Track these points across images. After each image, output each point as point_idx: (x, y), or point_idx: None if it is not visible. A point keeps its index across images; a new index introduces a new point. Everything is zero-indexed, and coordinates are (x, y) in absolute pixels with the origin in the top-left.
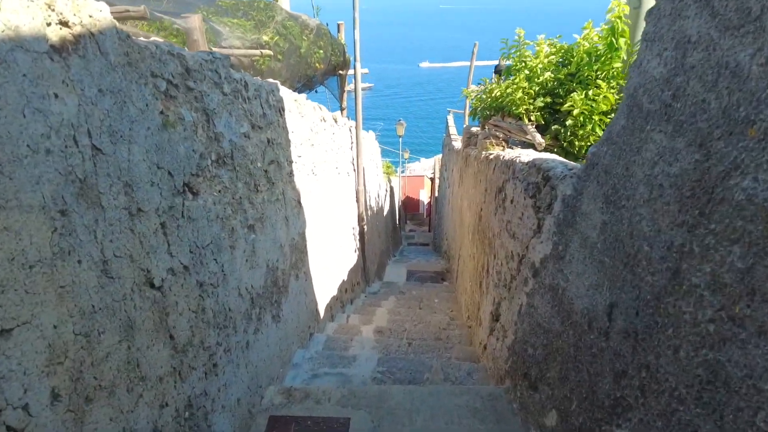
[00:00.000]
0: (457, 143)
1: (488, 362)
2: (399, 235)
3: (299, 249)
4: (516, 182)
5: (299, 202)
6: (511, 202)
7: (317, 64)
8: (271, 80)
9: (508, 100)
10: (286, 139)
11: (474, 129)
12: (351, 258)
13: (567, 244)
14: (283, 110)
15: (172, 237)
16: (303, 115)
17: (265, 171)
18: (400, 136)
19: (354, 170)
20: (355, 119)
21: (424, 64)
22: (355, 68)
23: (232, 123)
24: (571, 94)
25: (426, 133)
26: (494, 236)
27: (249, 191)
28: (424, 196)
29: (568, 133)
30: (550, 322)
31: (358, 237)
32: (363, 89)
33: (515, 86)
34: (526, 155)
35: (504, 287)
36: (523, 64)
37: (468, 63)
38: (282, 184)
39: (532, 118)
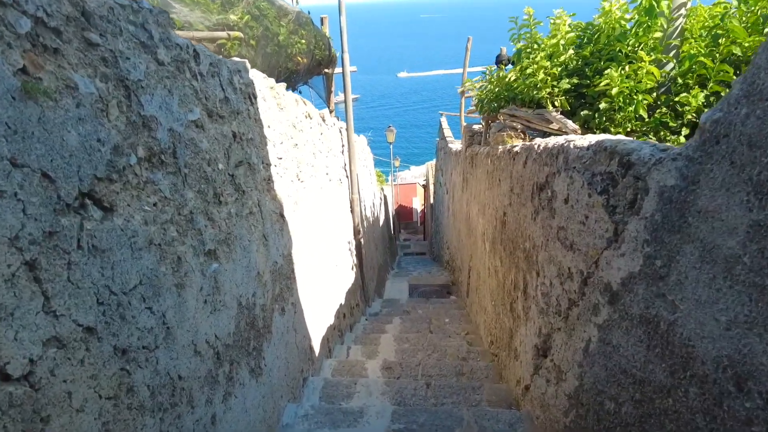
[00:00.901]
0: (455, 145)
1: (534, 409)
2: (395, 246)
3: (284, 275)
4: (572, 175)
5: (282, 215)
6: (565, 201)
7: (299, 58)
8: (237, 59)
9: (527, 83)
10: (260, 135)
11: (476, 126)
12: (348, 277)
13: (672, 257)
14: (255, 97)
15: (55, 284)
16: (283, 107)
17: (232, 176)
18: (390, 143)
19: (347, 176)
20: (346, 118)
21: (402, 74)
22: (342, 60)
23: (173, 105)
24: (606, 72)
25: (413, 142)
26: (535, 248)
27: (206, 203)
28: (417, 204)
29: (603, 119)
30: (645, 369)
31: (354, 252)
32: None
33: (536, 66)
34: (582, 138)
35: (557, 315)
36: (537, 45)
37: (446, 71)
38: (257, 193)
39: (557, 103)
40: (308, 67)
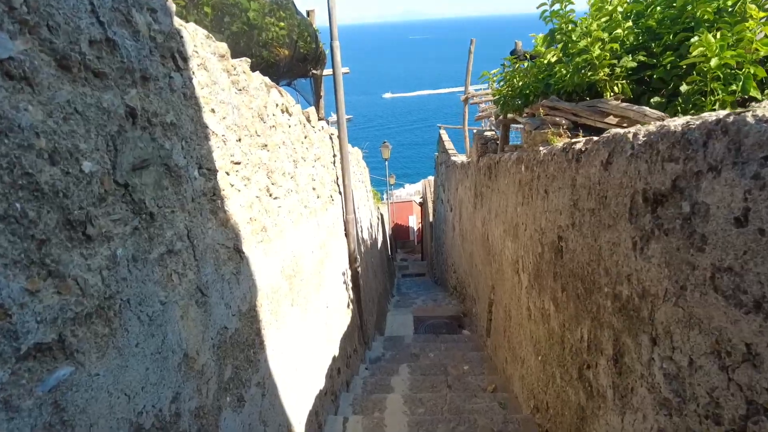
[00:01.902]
0: (459, 158)
1: None
2: (393, 267)
3: (243, 343)
4: (758, 171)
5: (239, 251)
6: (738, 223)
7: (279, 48)
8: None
9: (575, 64)
10: (195, 123)
11: (489, 133)
12: (342, 319)
13: None
14: (185, 60)
15: None
16: (243, 88)
17: (124, 186)
18: (386, 159)
19: (340, 192)
20: (338, 124)
21: (387, 95)
22: (332, 47)
23: None
24: (693, 40)
25: (406, 160)
26: (646, 297)
27: (34, 244)
28: (414, 223)
29: (689, 105)
30: None
31: (350, 285)
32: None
33: (589, 39)
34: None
35: (706, 420)
36: (574, 26)
37: (431, 91)
38: (186, 217)
39: (616, 88)
40: (290, 63)
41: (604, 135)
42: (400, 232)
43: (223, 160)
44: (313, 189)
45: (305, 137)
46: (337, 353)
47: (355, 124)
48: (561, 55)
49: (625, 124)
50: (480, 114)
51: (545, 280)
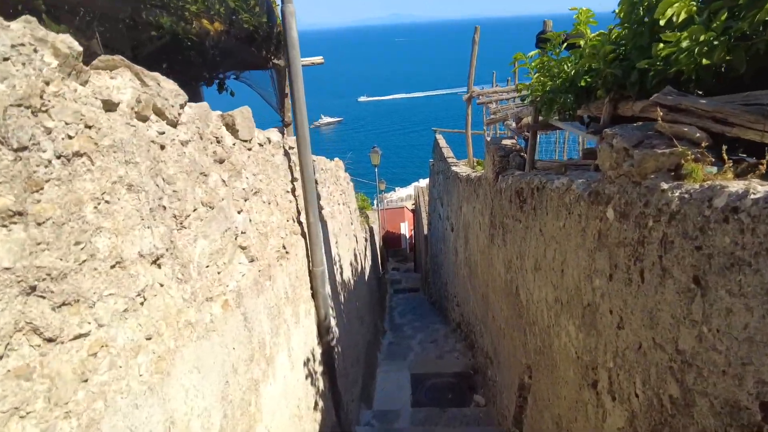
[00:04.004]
0: (462, 169)
1: None
2: (384, 287)
3: None
4: None
5: None
6: None
7: (204, 19)
8: None
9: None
10: None
11: (508, 142)
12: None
13: None
14: None
15: None
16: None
17: None
18: (375, 166)
19: (304, 233)
20: (296, 133)
21: (363, 98)
22: (283, 12)
23: None
24: None
25: (395, 163)
26: None
27: None
28: (406, 230)
29: None
30: None
31: (319, 371)
32: (332, 123)
33: None
34: None
35: None
36: None
37: (406, 95)
38: None
39: None
40: (230, 44)
41: None
42: (391, 241)
43: None
44: (241, 248)
45: (218, 162)
46: None
47: (348, 126)
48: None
49: None
50: (492, 117)
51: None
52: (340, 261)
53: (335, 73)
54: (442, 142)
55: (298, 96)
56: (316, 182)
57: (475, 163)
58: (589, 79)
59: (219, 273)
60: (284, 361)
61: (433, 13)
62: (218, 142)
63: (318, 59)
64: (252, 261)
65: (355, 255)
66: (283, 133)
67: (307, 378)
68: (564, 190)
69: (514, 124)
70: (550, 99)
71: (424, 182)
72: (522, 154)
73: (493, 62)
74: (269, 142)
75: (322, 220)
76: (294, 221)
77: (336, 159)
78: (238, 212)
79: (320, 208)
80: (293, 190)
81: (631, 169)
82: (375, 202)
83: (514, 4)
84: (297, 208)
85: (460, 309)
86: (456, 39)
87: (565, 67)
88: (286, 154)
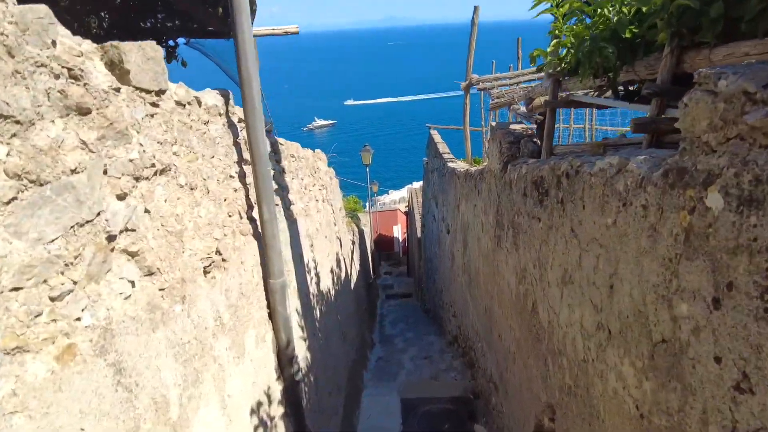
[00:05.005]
0: (458, 165)
1: None
2: (374, 293)
3: None
4: None
5: None
6: None
7: None
8: None
9: None
10: None
11: (517, 127)
12: None
13: None
14: None
15: None
16: None
17: None
18: (367, 166)
19: (257, 232)
20: (243, 103)
21: (349, 102)
22: None
23: None
24: None
25: (387, 166)
26: None
27: None
28: (399, 233)
29: None
30: None
31: (282, 413)
32: (325, 126)
33: None
34: None
35: None
36: None
37: (391, 99)
38: None
39: None
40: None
41: None
42: (384, 244)
43: None
44: (128, 255)
45: (72, 108)
46: None
47: (341, 129)
48: None
49: None
50: (496, 101)
51: None
52: (316, 268)
53: (329, 75)
54: (436, 137)
55: (245, 65)
56: (283, 171)
57: (473, 163)
58: (635, 30)
59: (54, 299)
60: (212, 418)
61: (426, 16)
62: (76, 78)
63: (292, 28)
64: (149, 274)
65: (338, 260)
66: (228, 99)
67: (257, 430)
68: (614, 172)
69: (522, 108)
70: (589, 51)
71: (417, 184)
72: (535, 139)
73: (492, 64)
74: (198, 104)
75: (290, 217)
76: (242, 217)
77: (317, 150)
78: (119, 197)
79: (289, 202)
80: (241, 176)
81: (764, 122)
82: (367, 204)
83: (512, 8)
84: (247, 200)
85: (458, 321)
86: (452, 42)
87: (606, 11)
88: (232, 126)
